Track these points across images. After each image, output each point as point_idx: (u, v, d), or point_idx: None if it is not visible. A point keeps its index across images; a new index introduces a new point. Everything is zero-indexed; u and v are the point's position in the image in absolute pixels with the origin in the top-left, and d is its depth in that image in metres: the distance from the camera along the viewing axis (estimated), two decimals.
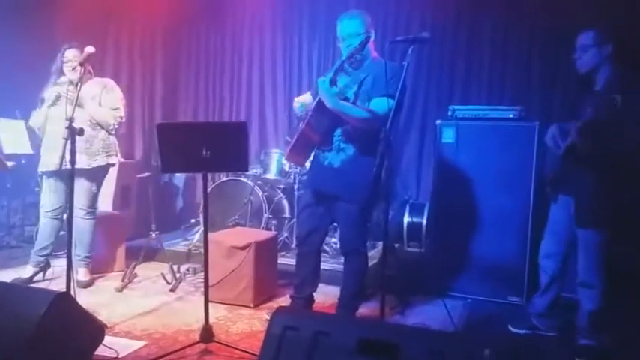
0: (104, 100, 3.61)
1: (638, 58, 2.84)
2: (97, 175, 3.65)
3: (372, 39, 2.75)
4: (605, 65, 2.65)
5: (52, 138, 3.56)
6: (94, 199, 3.69)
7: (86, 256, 3.73)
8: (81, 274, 3.69)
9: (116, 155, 3.75)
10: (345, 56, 2.58)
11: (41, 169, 3.64)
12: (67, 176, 3.49)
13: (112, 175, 4.73)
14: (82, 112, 3.45)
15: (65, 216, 3.71)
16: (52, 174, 3.61)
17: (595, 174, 2.65)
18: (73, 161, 2.68)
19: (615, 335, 2.80)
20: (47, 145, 3.60)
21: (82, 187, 3.57)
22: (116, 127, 3.67)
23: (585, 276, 2.75)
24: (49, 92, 3.53)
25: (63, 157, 2.72)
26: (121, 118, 3.67)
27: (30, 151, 4.60)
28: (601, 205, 2.66)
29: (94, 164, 3.57)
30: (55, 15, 5.57)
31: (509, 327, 3.12)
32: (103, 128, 3.61)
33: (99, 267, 3.98)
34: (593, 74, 2.69)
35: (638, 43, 3.20)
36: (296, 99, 3.06)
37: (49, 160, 3.53)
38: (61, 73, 3.58)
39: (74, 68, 3.45)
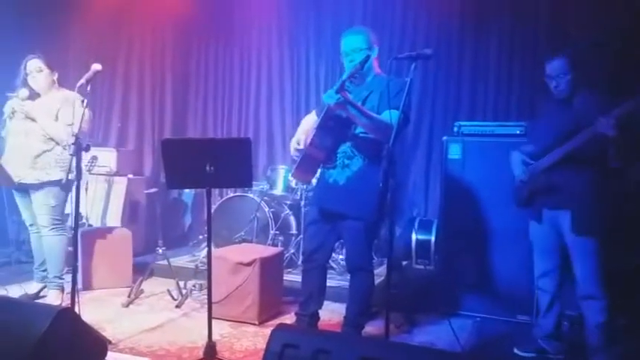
0: (61, 115, 3.43)
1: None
2: (53, 189, 3.45)
3: (372, 57, 2.75)
4: (581, 86, 2.79)
5: (8, 152, 3.47)
6: (55, 213, 3.49)
7: (56, 276, 3.54)
8: (51, 296, 3.52)
9: (72, 172, 3.45)
10: (347, 75, 2.59)
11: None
12: (25, 191, 3.49)
13: (121, 190, 4.80)
14: (35, 126, 3.39)
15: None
16: (14, 189, 3.53)
17: (594, 180, 2.68)
18: (78, 177, 2.69)
19: (628, 348, 2.74)
20: (5, 160, 3.47)
21: (39, 202, 3.45)
22: (70, 143, 3.10)
23: (588, 288, 2.72)
24: (6, 106, 3.48)
25: (69, 171, 2.73)
26: (74, 135, 3.12)
27: None
28: (601, 212, 2.69)
29: (45, 178, 3.41)
30: (66, 35, 5.70)
31: (515, 350, 3.04)
32: (57, 144, 3.45)
33: (105, 282, 3.99)
34: (572, 96, 2.81)
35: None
36: (293, 140, 2.98)
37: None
38: (24, 84, 3.47)
39: (80, 86, 3.38)
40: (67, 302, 3.45)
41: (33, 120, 3.41)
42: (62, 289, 3.59)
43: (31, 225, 3.65)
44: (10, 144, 3.49)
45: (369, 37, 2.79)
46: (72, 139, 3.27)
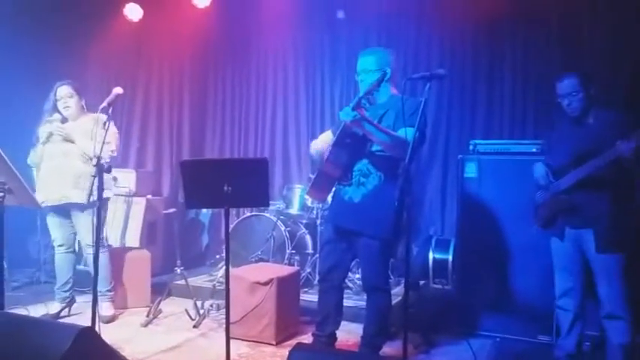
0: (97, 135, 3.52)
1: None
2: (92, 210, 3.50)
3: (387, 76, 2.76)
4: (595, 104, 2.79)
5: (47, 174, 3.60)
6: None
7: (107, 290, 3.74)
8: (104, 308, 3.68)
9: (110, 189, 3.73)
10: (363, 92, 2.62)
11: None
12: (64, 211, 3.61)
13: (140, 211, 4.85)
14: (74, 147, 3.52)
15: (77, 248, 3.77)
16: (50, 209, 3.65)
17: (615, 199, 2.67)
18: (100, 196, 2.76)
19: None
20: (42, 182, 3.62)
21: (83, 222, 3.59)
22: (107, 160, 3.46)
23: (612, 308, 2.67)
24: (42, 130, 3.61)
25: (90, 193, 2.79)
26: (113, 151, 3.63)
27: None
28: (623, 229, 2.67)
29: (91, 199, 3.45)
30: (86, 60, 5.86)
31: None
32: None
33: (124, 302, 4.03)
34: (585, 114, 2.80)
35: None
36: (313, 144, 3.05)
37: (43, 197, 3.55)
38: (55, 110, 3.62)
39: (102, 108, 3.49)
40: (117, 312, 3.77)
41: (71, 142, 3.54)
42: (113, 301, 3.76)
43: (60, 245, 3.73)
44: (48, 167, 3.61)
45: (382, 57, 2.82)
46: (109, 158, 3.55)
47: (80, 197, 3.54)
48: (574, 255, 2.83)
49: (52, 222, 3.74)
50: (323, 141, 2.99)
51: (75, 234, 3.76)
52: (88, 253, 3.64)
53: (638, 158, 2.50)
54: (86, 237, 3.64)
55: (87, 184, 3.53)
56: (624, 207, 2.69)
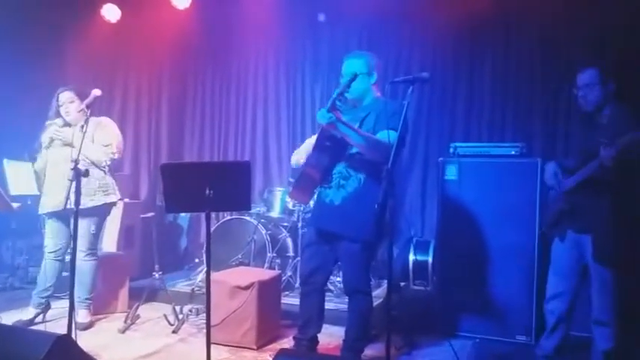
0: (96, 138, 3.62)
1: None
2: (95, 216, 3.62)
3: (371, 82, 2.79)
4: (611, 101, 2.70)
5: (51, 180, 3.62)
6: (93, 239, 3.67)
7: (86, 298, 3.68)
8: (81, 316, 3.63)
9: (114, 194, 3.73)
10: (336, 93, 2.64)
11: (41, 210, 3.68)
12: (66, 217, 3.57)
13: (116, 215, 4.77)
14: (75, 153, 3.45)
15: (67, 257, 3.72)
16: (51, 215, 3.64)
17: (614, 206, 2.63)
18: (77, 202, 2.71)
19: None
20: (47, 187, 3.65)
21: (80, 227, 3.51)
22: (108, 163, 3.64)
23: (600, 314, 2.70)
24: (44, 136, 3.62)
25: (67, 197, 2.75)
26: (113, 154, 3.64)
27: (36, 192, 4.64)
28: (620, 241, 2.65)
29: (90, 204, 3.54)
30: (63, 61, 5.75)
31: None
32: (96, 166, 3.60)
33: (101, 308, 3.94)
34: (599, 110, 2.73)
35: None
36: (294, 154, 3.08)
37: (48, 202, 3.59)
38: (58, 116, 3.64)
39: (79, 111, 3.49)
40: (94, 319, 3.74)
41: (71, 145, 3.51)
42: (90, 309, 3.72)
43: (51, 252, 3.68)
44: (52, 173, 3.61)
45: (367, 61, 2.83)
46: (109, 161, 3.59)
47: (82, 203, 3.48)
48: (572, 260, 2.84)
49: (52, 227, 3.69)
50: (306, 149, 2.99)
51: (70, 242, 3.69)
52: (81, 259, 3.57)
53: (622, 167, 2.48)
54: (81, 243, 3.57)
55: (88, 190, 3.51)
56: (625, 215, 2.65)
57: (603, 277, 2.69)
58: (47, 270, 3.67)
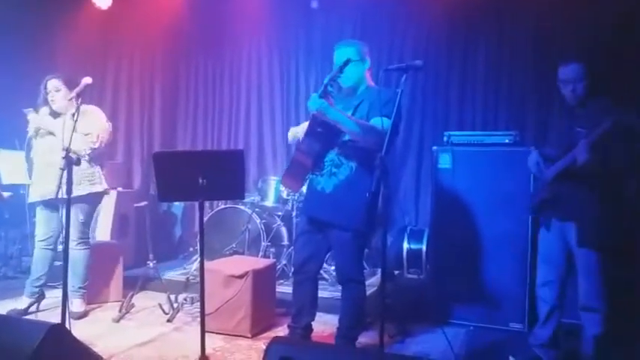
0: (78, 127, 3.43)
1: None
2: (82, 205, 3.58)
3: (365, 68, 2.77)
4: (593, 95, 2.74)
5: (38, 169, 3.60)
6: (83, 228, 3.66)
7: (80, 287, 3.68)
8: (75, 305, 3.62)
9: (100, 183, 3.68)
10: (327, 79, 2.62)
11: (30, 199, 3.68)
12: (55, 205, 3.55)
13: (110, 204, 4.76)
14: (57, 141, 3.44)
15: (60, 246, 3.71)
16: (39, 204, 3.63)
17: (597, 194, 2.66)
18: (69, 191, 2.69)
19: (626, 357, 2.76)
20: (35, 176, 3.63)
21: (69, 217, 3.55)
22: (88, 152, 3.53)
23: (588, 300, 2.72)
24: (29, 126, 3.59)
25: (59, 186, 2.73)
26: (94, 143, 3.54)
27: (28, 182, 4.61)
28: (605, 226, 2.67)
29: (75, 193, 3.41)
30: (55, 48, 5.68)
31: (511, 358, 3.03)
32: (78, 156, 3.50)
33: (96, 297, 3.94)
34: (582, 104, 2.77)
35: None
36: (291, 129, 3.07)
37: (36, 190, 3.57)
38: (45, 103, 3.60)
39: (69, 99, 3.43)
40: (88, 308, 3.74)
41: (53, 134, 3.49)
42: (84, 298, 3.72)
43: (41, 240, 3.66)
44: (39, 163, 3.60)
45: (359, 49, 2.82)
46: (89, 150, 3.52)
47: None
48: (558, 248, 2.85)
49: (41, 216, 3.67)
50: (303, 128, 2.97)
51: (60, 231, 3.67)
52: (73, 247, 3.55)
53: (602, 156, 2.51)
54: (72, 232, 3.53)
55: (75, 179, 3.39)
56: (611, 205, 2.68)
57: (588, 263, 2.71)
58: (38, 259, 3.66)
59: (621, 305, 2.77)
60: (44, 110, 3.60)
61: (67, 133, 3.45)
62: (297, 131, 2.97)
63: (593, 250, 2.69)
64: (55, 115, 3.60)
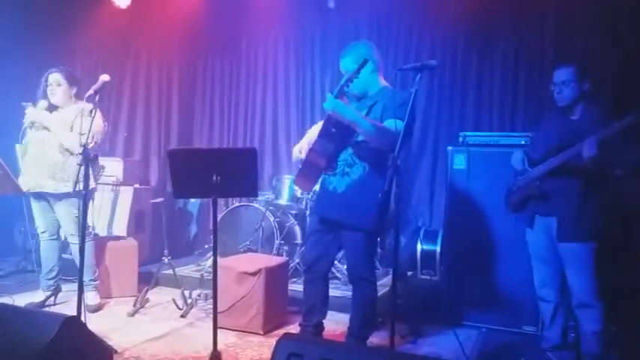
0: (76, 125, 3.47)
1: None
2: (73, 200, 3.51)
3: (371, 64, 2.73)
4: (584, 99, 2.78)
5: (28, 160, 3.59)
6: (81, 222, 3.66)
7: (91, 280, 3.71)
8: (89, 298, 3.65)
9: (94, 180, 3.61)
10: (344, 80, 2.62)
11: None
12: (43, 198, 3.59)
13: (127, 200, 4.82)
14: (51, 137, 3.48)
15: (63, 236, 3.75)
16: (31, 195, 3.63)
17: (581, 188, 2.69)
18: (86, 186, 2.72)
19: (626, 355, 2.72)
20: (25, 167, 3.62)
21: (62, 212, 3.58)
22: (80, 151, 3.35)
23: (582, 296, 2.70)
24: (25, 118, 3.58)
25: (77, 182, 2.76)
26: (88, 143, 3.41)
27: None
28: (585, 217, 2.69)
29: (64, 189, 3.49)
30: (74, 47, 5.77)
31: None
32: (70, 153, 3.52)
33: (111, 291, 4.00)
34: (572, 107, 2.80)
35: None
36: (295, 147, 3.03)
37: (24, 182, 3.55)
38: (44, 96, 3.59)
39: (89, 96, 3.43)
40: (103, 302, 3.78)
41: (47, 129, 3.50)
42: (98, 290, 3.75)
43: (43, 232, 3.70)
44: (30, 153, 3.60)
45: (362, 52, 2.76)
46: (80, 149, 3.37)
47: (54, 188, 3.51)
48: (547, 243, 2.85)
49: (35, 208, 3.71)
50: (307, 141, 2.94)
51: (58, 221, 3.72)
52: (72, 242, 3.61)
53: (597, 158, 2.51)
54: (68, 227, 3.61)
55: (62, 175, 3.51)
56: (594, 199, 2.71)
57: (574, 257, 2.70)
58: (45, 251, 3.71)
59: (616, 303, 2.75)
60: (42, 104, 3.59)
61: (62, 128, 3.49)
62: (302, 147, 2.95)
63: (572, 241, 2.69)
64: (51, 108, 3.59)
